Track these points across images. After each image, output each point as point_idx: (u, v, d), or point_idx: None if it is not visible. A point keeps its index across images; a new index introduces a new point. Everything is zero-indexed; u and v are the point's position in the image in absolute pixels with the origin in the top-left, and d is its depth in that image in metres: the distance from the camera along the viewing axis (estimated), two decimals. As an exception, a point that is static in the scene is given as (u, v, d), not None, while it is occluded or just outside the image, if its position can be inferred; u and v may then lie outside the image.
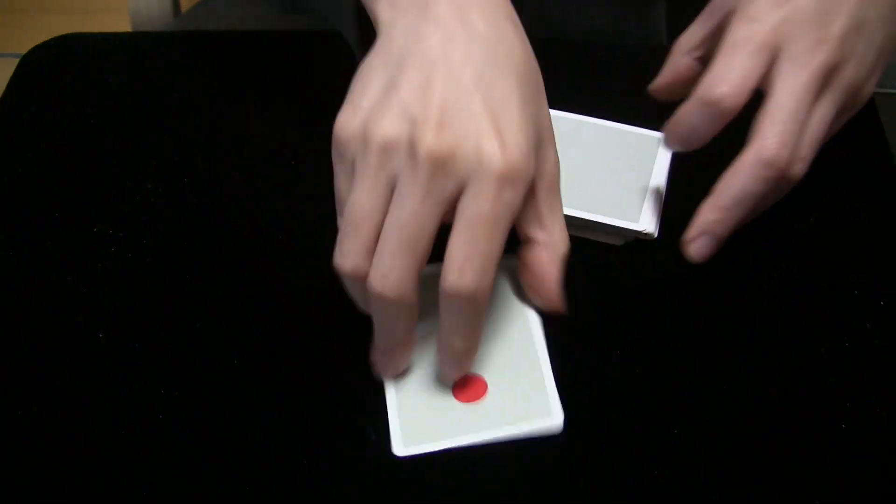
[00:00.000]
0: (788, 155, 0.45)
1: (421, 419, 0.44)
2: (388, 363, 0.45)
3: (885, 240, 0.51)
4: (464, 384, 0.45)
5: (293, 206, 0.52)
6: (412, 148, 0.39)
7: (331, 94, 0.52)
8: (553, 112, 0.45)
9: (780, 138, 0.45)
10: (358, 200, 0.41)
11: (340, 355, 0.46)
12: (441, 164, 0.39)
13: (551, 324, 0.47)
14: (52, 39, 0.62)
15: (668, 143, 0.49)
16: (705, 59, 0.51)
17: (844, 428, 0.44)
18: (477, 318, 0.42)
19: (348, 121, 0.41)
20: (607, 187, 0.51)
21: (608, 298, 0.49)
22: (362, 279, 0.41)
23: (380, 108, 0.40)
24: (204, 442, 0.43)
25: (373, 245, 0.41)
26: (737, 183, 0.46)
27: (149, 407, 0.44)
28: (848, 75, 0.47)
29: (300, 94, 0.58)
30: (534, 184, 0.42)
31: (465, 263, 0.40)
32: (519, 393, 0.45)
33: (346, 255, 0.41)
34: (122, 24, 0.80)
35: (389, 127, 0.40)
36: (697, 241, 0.47)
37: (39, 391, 0.45)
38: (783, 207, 0.52)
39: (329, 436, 0.43)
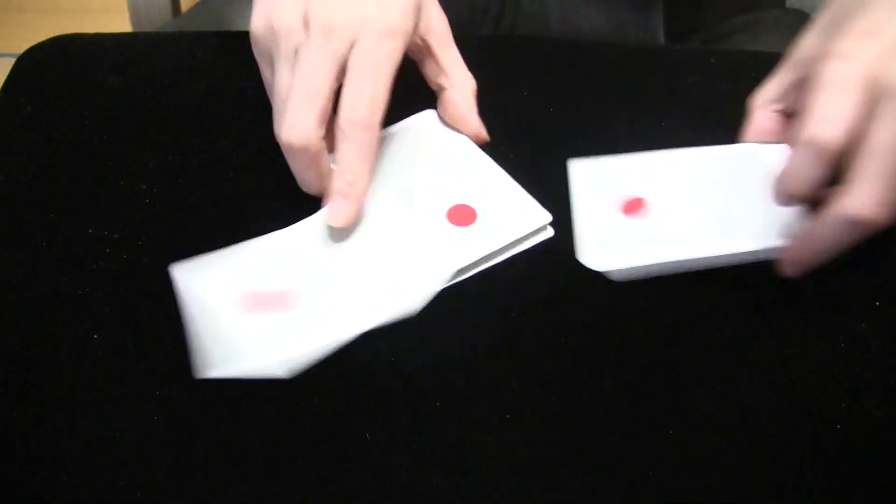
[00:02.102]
0: (887, 214, 0.42)
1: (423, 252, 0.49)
2: (329, 211, 0.49)
3: (880, 241, 0.51)
4: (457, 212, 0.50)
5: (292, 206, 0.52)
6: (306, 24, 0.47)
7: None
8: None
9: (878, 196, 0.42)
10: (279, 81, 0.49)
11: (339, 355, 0.46)
12: (328, 30, 0.47)
13: (550, 324, 0.47)
14: (48, 40, 0.62)
15: (779, 200, 0.46)
16: (787, 112, 0.50)
17: (840, 429, 0.44)
18: (369, 147, 0.48)
19: (257, 22, 0.50)
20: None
21: (608, 298, 0.49)
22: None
23: (279, 4, 0.49)
24: (201, 443, 0.43)
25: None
26: (822, 238, 0.44)
27: (145, 408, 0.44)
28: None
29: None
30: (427, 41, 0.51)
31: (356, 102, 0.47)
32: (504, 209, 0.50)
33: (282, 127, 0.48)
34: (122, 24, 0.80)
35: (287, 17, 0.48)
36: (788, 268, 0.47)
37: (35, 392, 0.45)
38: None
39: (327, 436, 0.43)
